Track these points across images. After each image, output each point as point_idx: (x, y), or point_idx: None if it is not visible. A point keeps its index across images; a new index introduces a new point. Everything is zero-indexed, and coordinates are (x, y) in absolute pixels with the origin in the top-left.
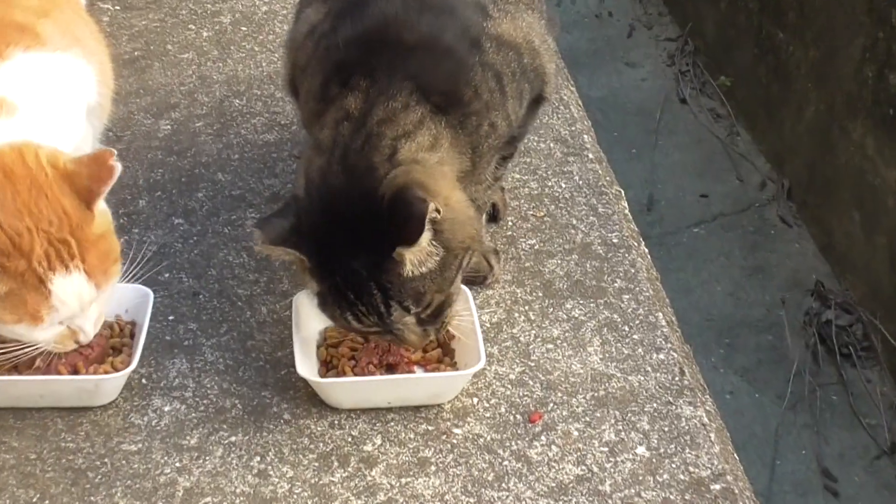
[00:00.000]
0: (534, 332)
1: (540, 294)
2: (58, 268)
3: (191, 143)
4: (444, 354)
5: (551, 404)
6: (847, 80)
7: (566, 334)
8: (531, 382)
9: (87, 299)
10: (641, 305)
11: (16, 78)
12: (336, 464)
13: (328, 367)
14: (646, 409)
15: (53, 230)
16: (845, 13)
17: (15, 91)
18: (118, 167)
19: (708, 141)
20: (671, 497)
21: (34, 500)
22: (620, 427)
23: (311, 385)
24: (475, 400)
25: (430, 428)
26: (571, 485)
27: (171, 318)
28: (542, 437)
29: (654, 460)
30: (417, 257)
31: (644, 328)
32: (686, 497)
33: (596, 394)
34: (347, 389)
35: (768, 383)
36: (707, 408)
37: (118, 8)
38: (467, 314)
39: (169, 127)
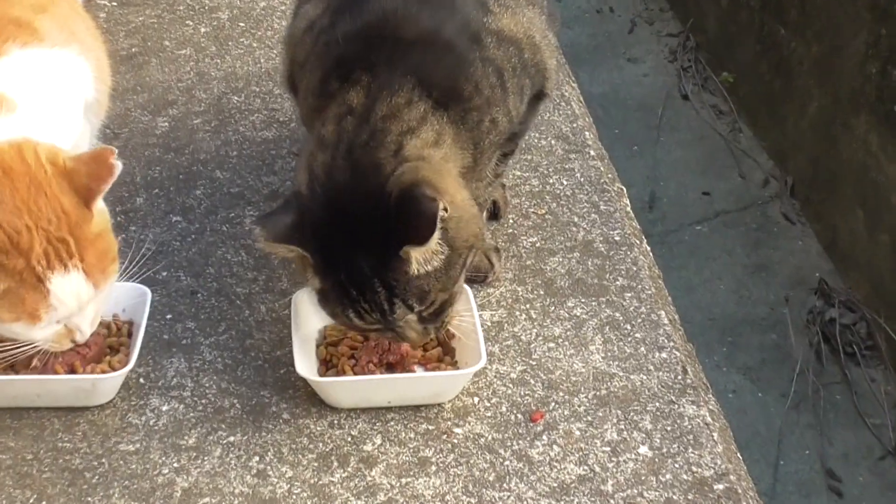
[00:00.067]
0: (535, 330)
1: (541, 292)
2: (56, 267)
3: (189, 140)
4: (444, 353)
5: (553, 403)
6: (850, 75)
7: (568, 333)
8: (532, 381)
9: (86, 298)
10: (643, 304)
11: (14, 74)
12: (336, 464)
13: (328, 366)
14: (648, 409)
15: (52, 228)
16: (848, 9)
17: (13, 87)
18: (118, 166)
19: (710, 137)
20: (674, 497)
21: (31, 500)
22: (623, 426)
23: (310, 384)
24: (476, 399)
25: (430, 427)
26: (573, 485)
27: (168, 316)
28: (544, 437)
29: (656, 460)
30: (423, 256)
31: (646, 327)
32: (689, 497)
33: (598, 393)
34: (347, 388)
35: (772, 382)
36: (710, 407)
37: (115, 4)
38: (468, 313)
39: (166, 124)
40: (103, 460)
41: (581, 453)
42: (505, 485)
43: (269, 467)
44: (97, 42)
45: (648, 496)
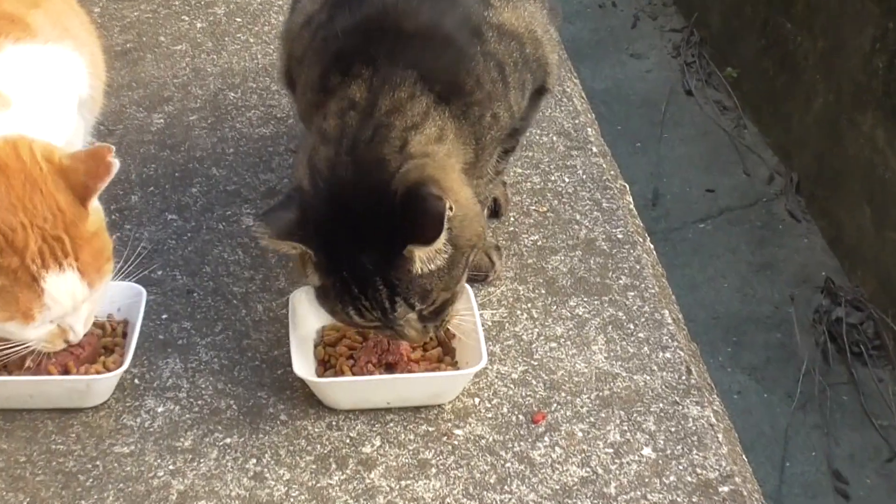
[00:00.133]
0: (536, 330)
1: (543, 291)
2: (51, 265)
3: (184, 137)
4: (444, 353)
5: (555, 404)
6: (856, 70)
7: (570, 332)
8: (534, 382)
9: (80, 298)
10: (647, 303)
11: (7, 70)
12: (334, 466)
13: (326, 366)
14: (652, 410)
15: (48, 226)
16: (854, 2)
17: (6, 84)
18: (116, 163)
19: (714, 134)
20: (678, 500)
21: (24, 503)
22: (626, 428)
23: (308, 385)
24: (476, 400)
25: (430, 429)
26: (576, 487)
27: (164, 316)
28: (546, 438)
29: (660, 462)
30: (427, 255)
31: (650, 326)
32: (693, 499)
33: (600, 393)
34: (345, 389)
35: (777, 382)
36: (714, 408)
37: None
38: (468, 312)
39: (162, 120)
40: (97, 462)
41: (583, 455)
42: (506, 487)
43: (266, 470)
44: (91, 37)
45: (652, 499)
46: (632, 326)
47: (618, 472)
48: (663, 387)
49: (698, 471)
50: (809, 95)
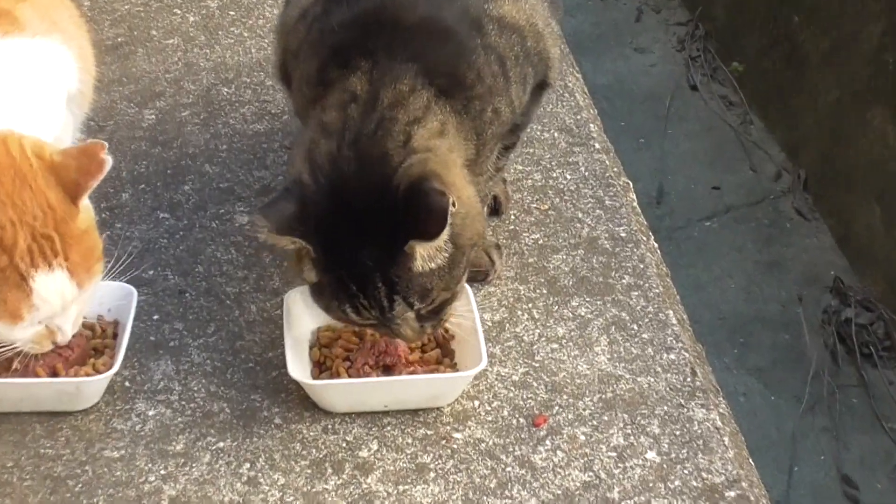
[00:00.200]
0: (538, 331)
1: (544, 291)
2: (41, 264)
3: (177, 134)
4: (443, 355)
5: (556, 407)
6: (865, 65)
7: (572, 333)
8: (535, 384)
9: (69, 298)
10: (651, 303)
11: None
12: (330, 471)
13: (321, 368)
14: (656, 412)
15: (37, 224)
16: None
17: None
18: (108, 161)
19: (720, 129)
20: None
21: None
22: (629, 431)
23: (303, 387)
24: (476, 403)
25: (428, 432)
26: (578, 492)
27: (155, 317)
28: (547, 442)
29: (664, 466)
30: (429, 252)
31: (654, 327)
32: None
33: (603, 396)
34: (342, 392)
35: (785, 385)
36: (720, 410)
37: None
38: (468, 313)
39: (154, 116)
40: (87, 467)
41: (586, 459)
42: (507, 492)
43: (260, 474)
44: (81, 31)
45: (656, 503)
46: (635, 327)
47: (621, 476)
48: (668, 389)
49: (704, 475)
50: (817, 90)
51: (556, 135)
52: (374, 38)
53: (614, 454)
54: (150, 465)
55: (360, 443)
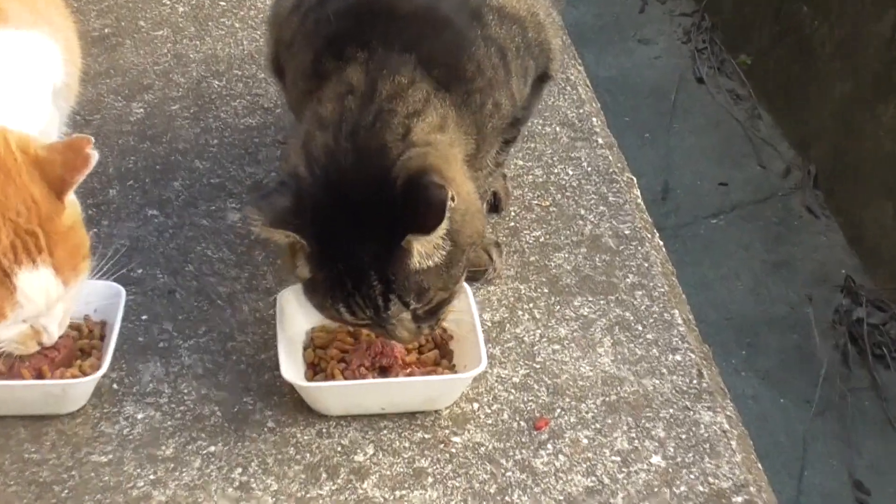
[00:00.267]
0: (539, 331)
1: (545, 290)
2: (24, 261)
3: (166, 128)
4: (441, 356)
5: (558, 410)
6: (876, 58)
7: (574, 334)
8: (536, 386)
9: (54, 297)
10: (656, 302)
11: None
12: (324, 476)
13: (316, 370)
14: (661, 415)
15: (21, 220)
16: None
17: None
18: (95, 155)
19: (727, 124)
20: None
21: None
22: (634, 434)
23: (297, 390)
24: (475, 405)
25: (426, 436)
26: (581, 497)
27: (144, 317)
28: (549, 446)
29: (670, 470)
30: (426, 249)
31: (659, 327)
32: None
33: (607, 398)
34: (337, 394)
35: (794, 387)
36: (728, 413)
37: None
38: (467, 313)
39: (142, 110)
40: (73, 472)
41: (589, 463)
42: (507, 497)
43: (252, 479)
44: (66, 22)
45: None
46: (640, 327)
47: (625, 481)
48: (673, 391)
49: (710, 480)
50: (827, 84)
51: (557, 129)
52: (370, 28)
53: (618, 458)
54: (138, 470)
55: (356, 447)
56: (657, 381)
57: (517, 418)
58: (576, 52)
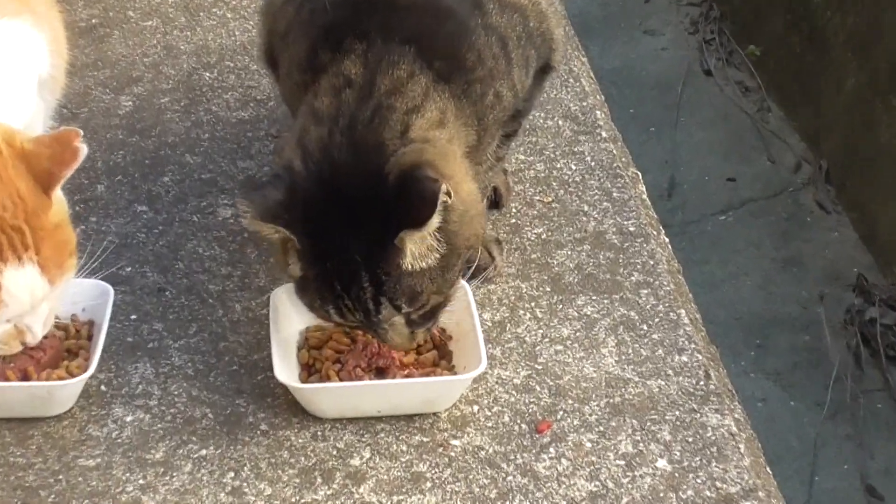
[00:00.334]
0: (541, 331)
1: (548, 289)
2: (10, 258)
3: (155, 122)
4: (440, 357)
5: (561, 412)
6: (890, 48)
7: (577, 334)
8: (538, 388)
9: (40, 295)
10: (661, 301)
11: None
12: (319, 480)
13: (310, 371)
14: (667, 418)
15: (7, 216)
16: None
17: None
18: (83, 149)
19: (735, 117)
20: None
21: None
22: (639, 437)
23: (291, 392)
24: (475, 408)
25: (424, 439)
26: (584, 502)
27: (133, 317)
28: (551, 449)
29: (676, 475)
30: (419, 248)
31: (664, 327)
32: None
33: (611, 400)
34: (332, 396)
35: (805, 389)
36: (736, 416)
37: None
38: (466, 312)
39: (131, 103)
40: (60, 477)
41: (592, 468)
42: (508, 503)
43: (245, 484)
44: (52, 12)
45: None
46: (645, 327)
47: (630, 486)
48: (679, 393)
49: (718, 485)
50: (840, 75)
51: (560, 122)
52: (368, 18)
53: (622, 462)
54: (127, 475)
55: (352, 450)
56: (663, 383)
57: (518, 421)
58: (579, 43)
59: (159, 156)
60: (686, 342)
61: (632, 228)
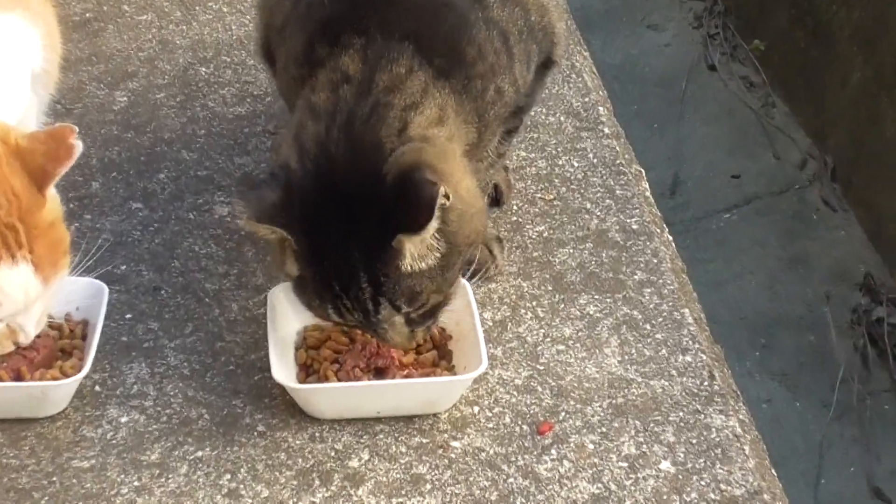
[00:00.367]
0: (542, 331)
1: (549, 288)
2: (3, 256)
3: (151, 117)
4: (440, 357)
5: (563, 413)
6: None
7: (579, 334)
8: (540, 388)
9: (33, 295)
10: (665, 301)
11: None
12: (317, 482)
13: (308, 371)
14: (670, 419)
15: (1, 213)
16: None
17: None
18: (78, 146)
19: (740, 113)
20: None
21: None
22: (642, 439)
23: (288, 392)
24: (476, 409)
25: (424, 441)
26: None
27: (128, 316)
28: (553, 451)
29: (680, 477)
30: (418, 249)
31: (668, 327)
32: None
33: (613, 401)
34: (330, 397)
35: (811, 390)
36: (740, 417)
37: None
38: (467, 311)
39: (126, 98)
40: (54, 479)
41: (595, 469)
42: None
43: (241, 486)
44: (46, 6)
45: None
46: (648, 327)
47: (633, 488)
48: (683, 394)
49: (722, 487)
50: (846, 70)
51: (562, 119)
52: (366, 13)
53: (625, 464)
54: (122, 477)
55: (351, 452)
56: (666, 383)
57: (519, 422)
58: (581, 38)
59: (155, 152)
60: (690, 342)
61: (635, 226)
